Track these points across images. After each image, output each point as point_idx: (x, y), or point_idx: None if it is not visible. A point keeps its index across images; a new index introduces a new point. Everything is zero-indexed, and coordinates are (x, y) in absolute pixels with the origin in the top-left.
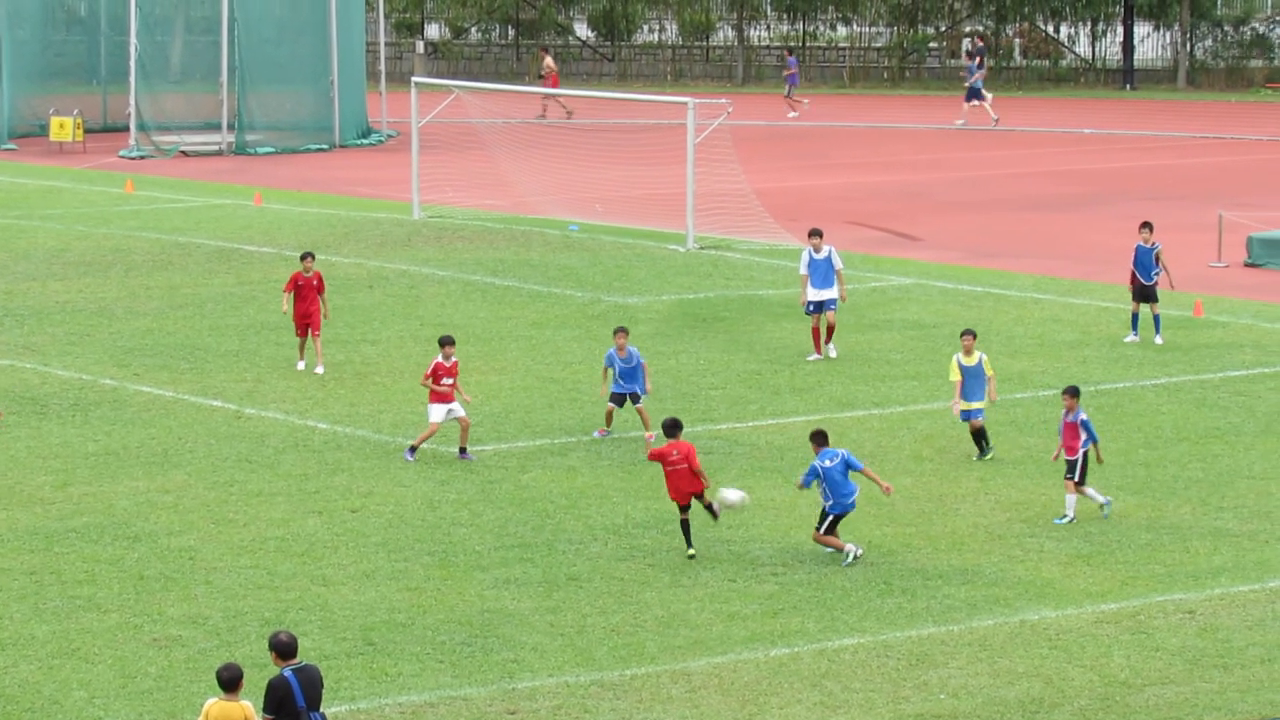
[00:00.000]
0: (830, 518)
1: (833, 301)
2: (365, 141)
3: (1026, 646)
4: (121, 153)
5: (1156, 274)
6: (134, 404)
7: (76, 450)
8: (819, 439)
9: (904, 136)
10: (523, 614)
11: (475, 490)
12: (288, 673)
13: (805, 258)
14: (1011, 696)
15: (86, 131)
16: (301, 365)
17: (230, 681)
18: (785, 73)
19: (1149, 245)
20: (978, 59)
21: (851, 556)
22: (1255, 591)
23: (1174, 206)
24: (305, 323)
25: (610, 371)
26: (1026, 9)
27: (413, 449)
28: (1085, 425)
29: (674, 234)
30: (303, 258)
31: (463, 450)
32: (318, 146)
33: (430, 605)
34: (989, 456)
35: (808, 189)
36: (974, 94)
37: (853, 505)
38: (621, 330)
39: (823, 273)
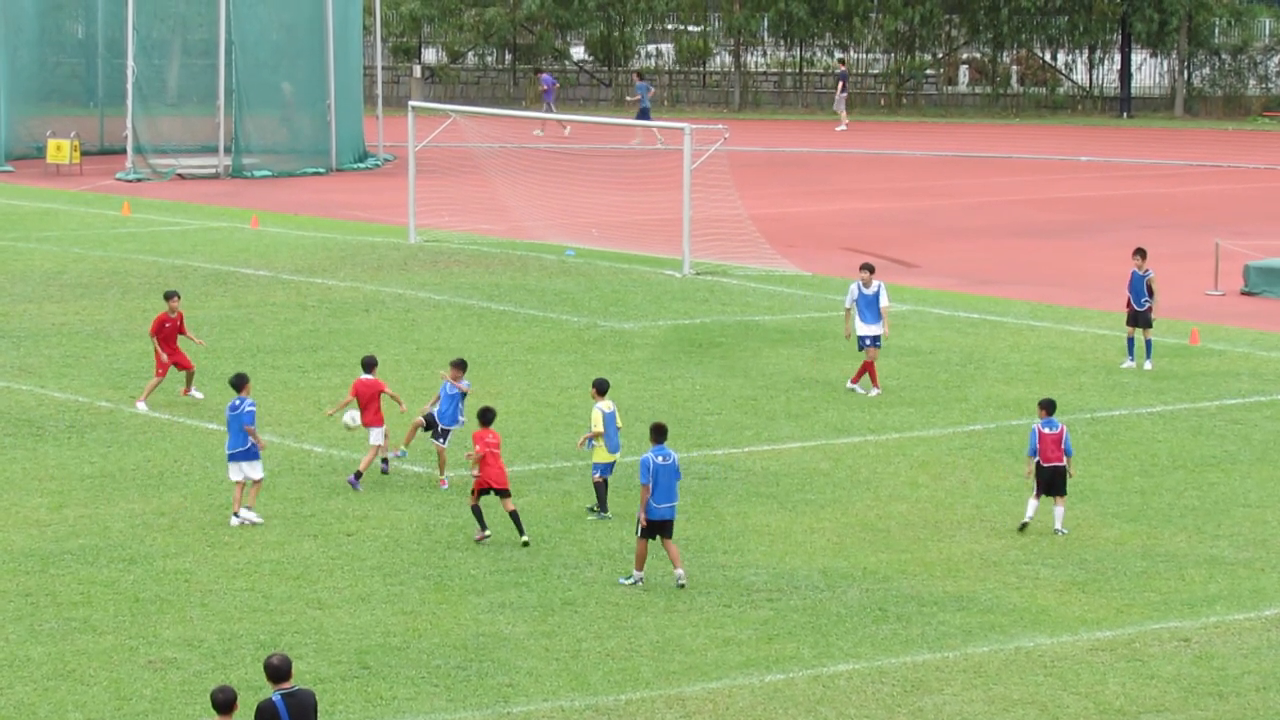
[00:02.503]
0: (647, 523)
1: (877, 339)
2: (362, 165)
3: (1022, 673)
4: (118, 175)
5: (1148, 301)
6: (130, 426)
7: (72, 472)
8: (658, 433)
9: (901, 163)
10: (518, 638)
11: (471, 514)
12: (276, 697)
13: (853, 291)
14: None
15: (83, 154)
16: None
17: (224, 704)
18: (540, 89)
19: (1142, 272)
20: (840, 82)
21: (634, 580)
22: (1251, 620)
23: (1171, 234)
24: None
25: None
26: (1024, 36)
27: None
28: (1065, 439)
29: (670, 259)
30: (168, 297)
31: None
32: (314, 170)
33: (425, 629)
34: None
35: (804, 215)
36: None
37: (673, 514)
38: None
39: (872, 308)
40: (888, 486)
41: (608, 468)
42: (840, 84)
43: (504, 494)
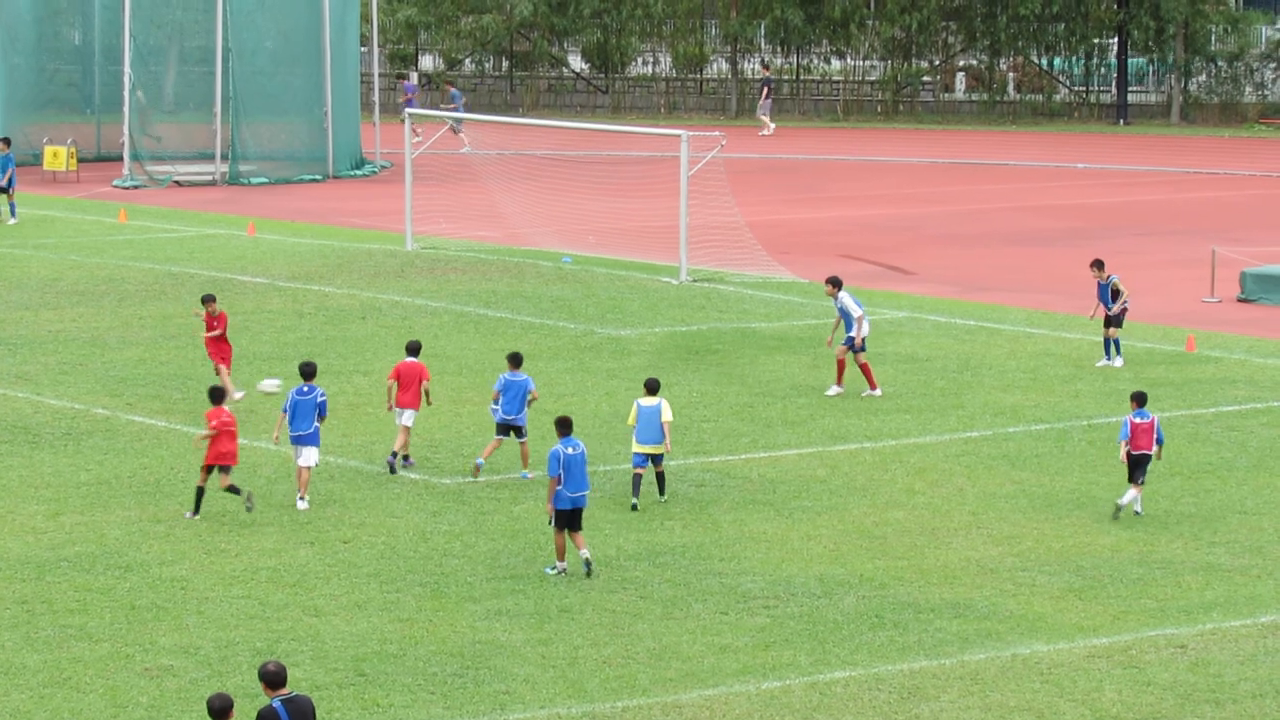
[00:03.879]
0: (558, 513)
1: (850, 339)
2: (359, 172)
3: (1018, 681)
4: (115, 182)
5: (1119, 303)
6: (126, 433)
7: (68, 479)
8: (563, 425)
9: (897, 170)
10: (514, 645)
11: (467, 522)
12: (277, 703)
13: (853, 301)
14: None
15: (80, 161)
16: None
17: (220, 711)
18: (402, 99)
19: (1105, 281)
20: (765, 88)
21: (558, 570)
22: (1247, 627)
23: (1167, 241)
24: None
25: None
26: (1021, 43)
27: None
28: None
29: (667, 266)
30: (206, 300)
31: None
32: (311, 177)
33: (422, 636)
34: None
35: (801, 222)
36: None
37: (584, 502)
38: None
39: (845, 320)
40: (884, 493)
41: (638, 459)
42: (764, 90)
43: (225, 470)
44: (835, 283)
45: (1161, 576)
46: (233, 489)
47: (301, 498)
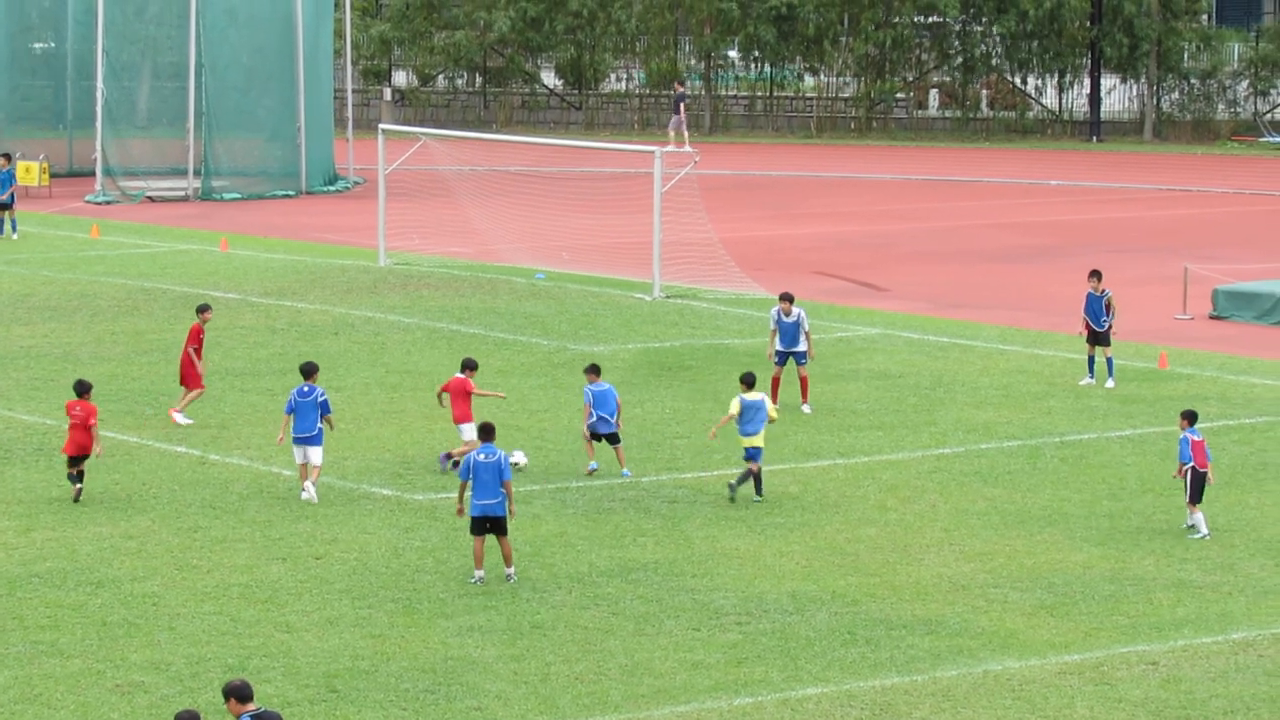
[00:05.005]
0: (472, 519)
1: (802, 355)
2: (332, 188)
3: (990, 697)
4: (87, 198)
5: (1107, 320)
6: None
7: (40, 495)
8: (484, 432)
9: (871, 187)
10: (486, 662)
11: (440, 537)
12: (245, 718)
13: (776, 315)
14: None
15: (52, 176)
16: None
17: None
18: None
19: (1099, 293)
20: (679, 104)
21: (480, 577)
22: (1218, 643)
23: (1140, 258)
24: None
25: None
26: (994, 61)
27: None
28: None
29: (640, 283)
30: (201, 310)
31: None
32: (284, 193)
33: (394, 652)
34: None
35: (775, 239)
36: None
37: (500, 511)
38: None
39: (791, 335)
40: (857, 510)
41: (751, 452)
42: (677, 106)
43: (77, 460)
44: (789, 298)
45: (1133, 593)
46: (76, 477)
47: (305, 489)
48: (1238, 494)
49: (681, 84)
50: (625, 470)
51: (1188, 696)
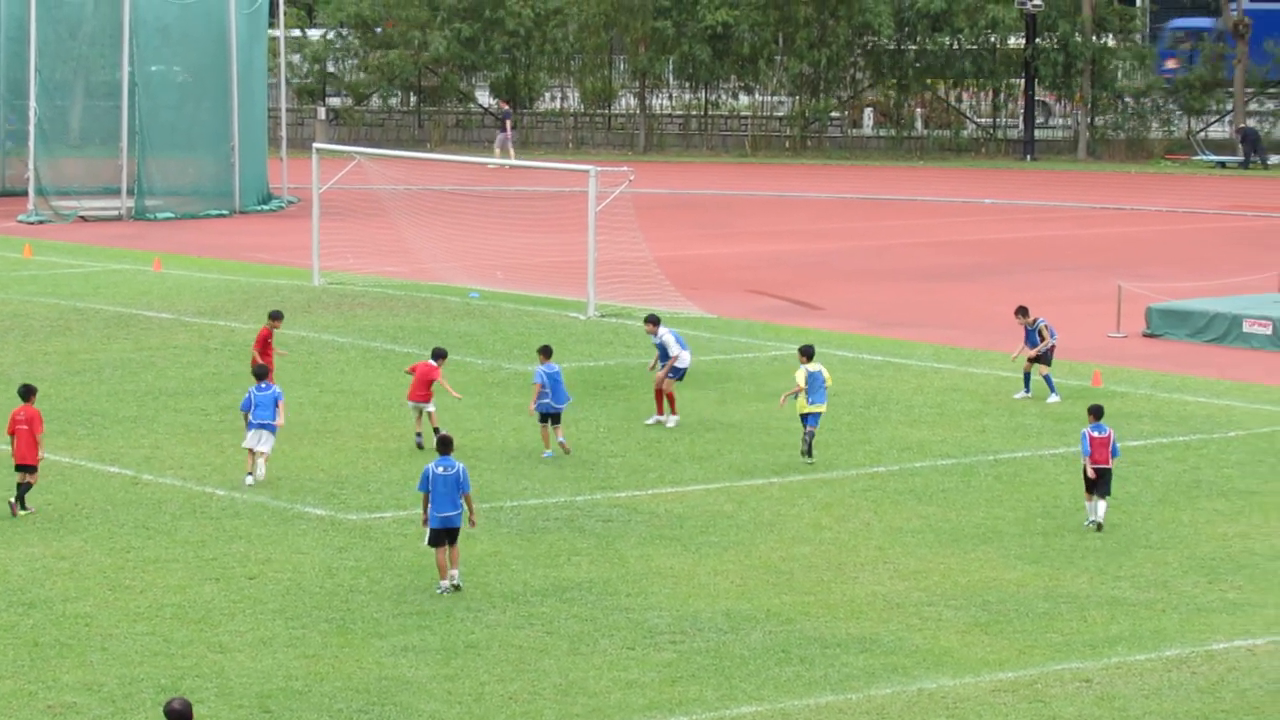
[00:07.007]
0: (432, 531)
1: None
2: (266, 207)
3: (924, 715)
4: (20, 217)
5: (1045, 345)
6: None
7: None
8: (443, 444)
9: (806, 206)
10: (420, 681)
11: (374, 557)
12: None
13: (673, 338)
14: None
15: None
16: None
17: None
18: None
19: (1030, 326)
20: (505, 121)
21: (442, 587)
22: (1152, 660)
23: (1074, 277)
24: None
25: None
26: (929, 80)
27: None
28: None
29: (575, 302)
30: (274, 317)
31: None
32: (218, 212)
33: (328, 673)
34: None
35: (709, 257)
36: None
37: (455, 523)
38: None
39: (663, 352)
40: (791, 528)
41: (812, 418)
42: (502, 123)
43: (26, 469)
44: (654, 320)
45: (1067, 611)
46: (21, 487)
47: (250, 474)
48: (1171, 511)
49: (506, 102)
50: (550, 452)
51: (1121, 714)
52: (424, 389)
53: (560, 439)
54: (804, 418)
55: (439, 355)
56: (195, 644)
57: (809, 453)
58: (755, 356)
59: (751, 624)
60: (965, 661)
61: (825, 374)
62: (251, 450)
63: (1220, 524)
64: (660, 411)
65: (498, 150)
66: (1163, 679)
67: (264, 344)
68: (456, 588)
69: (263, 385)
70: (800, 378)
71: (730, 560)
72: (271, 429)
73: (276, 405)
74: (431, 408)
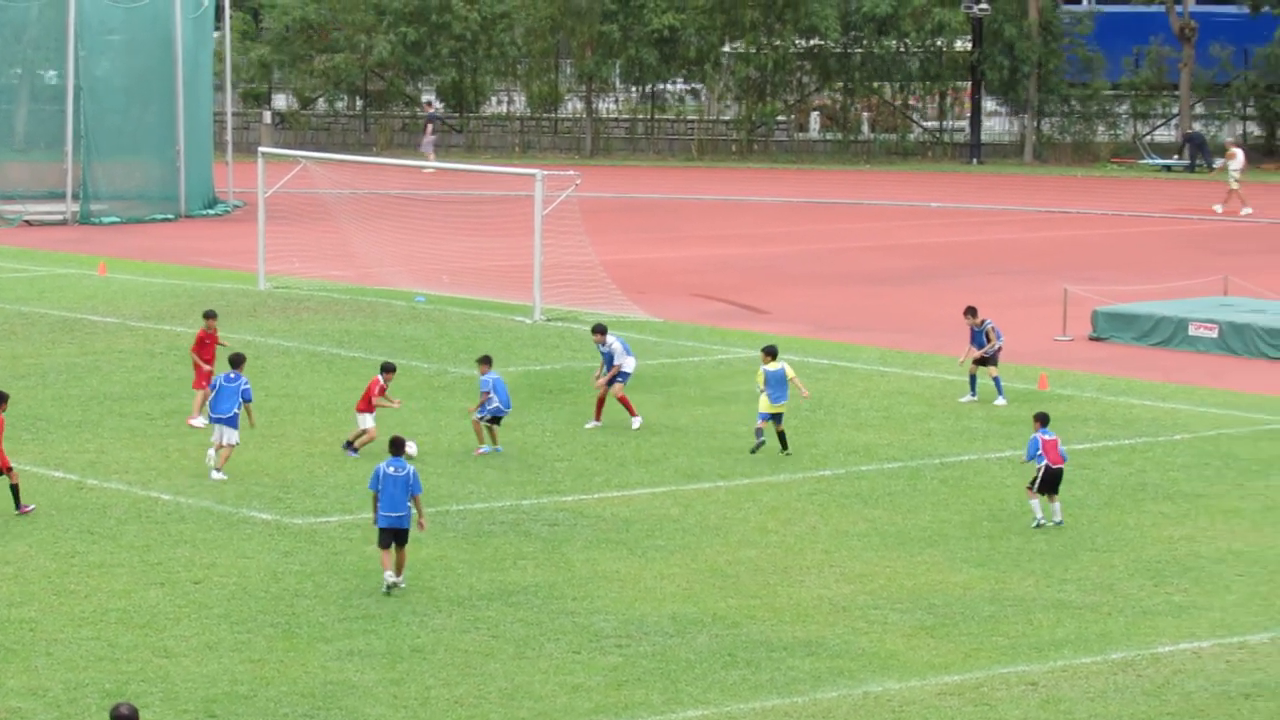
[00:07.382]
0: (380, 531)
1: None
2: (211, 212)
3: (870, 718)
4: None
5: (992, 348)
6: None
7: None
8: (394, 445)
9: (752, 209)
10: (366, 686)
11: (319, 562)
12: None
13: (620, 346)
14: None
15: None
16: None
17: None
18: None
19: (978, 327)
20: (429, 124)
21: (387, 584)
22: (1097, 663)
23: (1019, 280)
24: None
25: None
26: (875, 83)
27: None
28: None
29: (521, 305)
30: (207, 316)
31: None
32: (163, 216)
33: (273, 677)
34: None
35: (655, 261)
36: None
37: (403, 524)
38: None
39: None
40: (737, 532)
41: (765, 416)
42: (427, 126)
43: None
44: (602, 329)
45: (1013, 614)
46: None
47: (218, 469)
48: (1117, 514)
49: (430, 104)
50: (488, 446)
51: (1067, 717)
52: (365, 401)
53: (493, 447)
54: (766, 417)
55: (387, 369)
56: (140, 649)
57: (784, 446)
58: (701, 360)
59: (697, 627)
60: (911, 664)
61: (788, 369)
62: (216, 445)
63: (1166, 527)
64: (598, 418)
65: (430, 154)
66: (1108, 682)
67: (201, 345)
68: (396, 584)
69: (231, 375)
70: (759, 378)
71: (676, 564)
72: (231, 423)
73: (241, 399)
74: (370, 423)
